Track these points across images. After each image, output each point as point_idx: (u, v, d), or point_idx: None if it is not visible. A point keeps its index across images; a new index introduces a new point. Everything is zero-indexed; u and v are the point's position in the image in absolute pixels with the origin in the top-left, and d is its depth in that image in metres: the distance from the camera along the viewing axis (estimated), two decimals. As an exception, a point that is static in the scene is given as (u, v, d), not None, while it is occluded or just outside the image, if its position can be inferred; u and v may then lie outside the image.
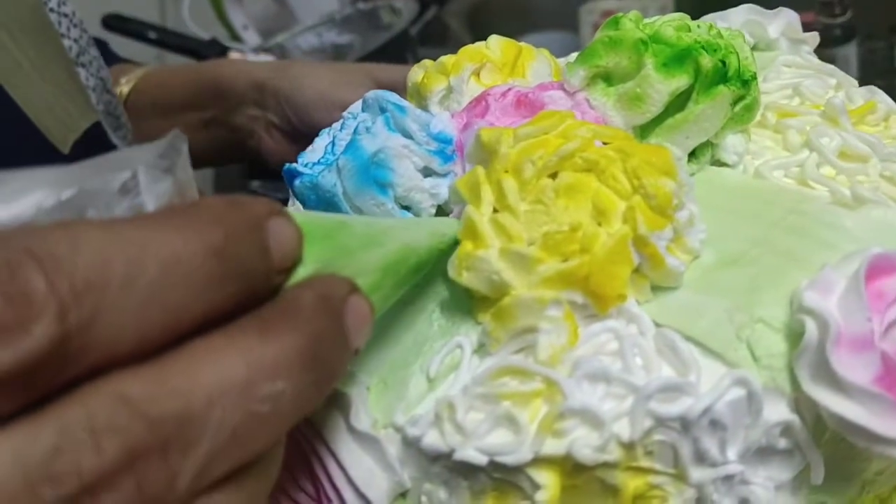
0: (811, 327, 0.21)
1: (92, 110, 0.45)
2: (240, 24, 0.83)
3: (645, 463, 0.21)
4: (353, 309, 0.18)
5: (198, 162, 0.62)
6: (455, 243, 0.25)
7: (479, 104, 0.30)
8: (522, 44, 0.34)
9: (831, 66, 0.34)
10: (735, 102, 0.28)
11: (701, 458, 0.21)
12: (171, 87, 0.57)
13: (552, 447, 0.21)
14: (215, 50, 0.75)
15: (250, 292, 0.16)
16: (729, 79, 0.28)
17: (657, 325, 0.23)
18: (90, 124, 0.44)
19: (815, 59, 0.35)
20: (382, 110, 0.30)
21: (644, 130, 0.28)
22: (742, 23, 0.37)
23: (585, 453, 0.21)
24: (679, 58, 0.27)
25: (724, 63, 0.28)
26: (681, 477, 0.22)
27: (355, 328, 0.18)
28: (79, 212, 0.15)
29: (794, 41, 0.36)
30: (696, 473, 0.21)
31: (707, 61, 0.27)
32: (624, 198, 0.24)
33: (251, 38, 0.83)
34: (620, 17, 0.29)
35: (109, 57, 0.60)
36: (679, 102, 0.28)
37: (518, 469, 0.21)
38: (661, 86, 0.27)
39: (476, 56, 0.32)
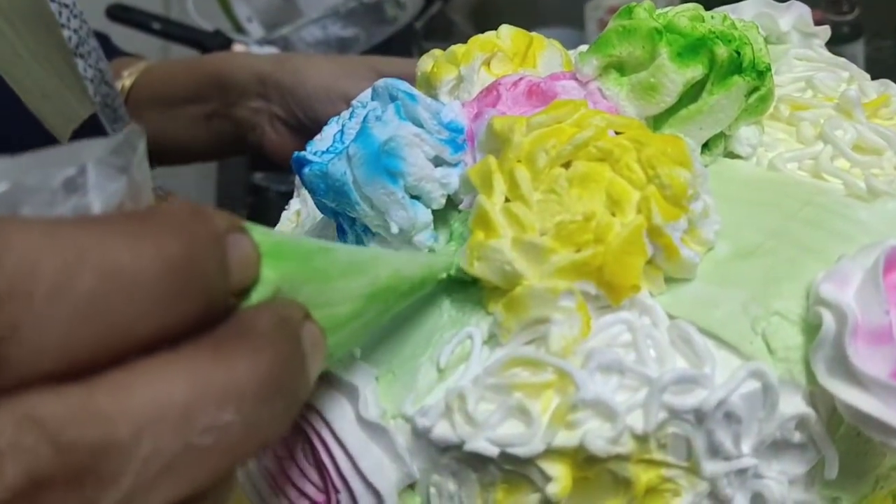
0: (828, 320, 0.20)
1: (89, 102, 0.45)
2: (244, 16, 0.83)
3: (658, 455, 0.21)
4: (310, 335, 0.16)
5: (199, 155, 0.61)
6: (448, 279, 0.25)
7: (491, 93, 0.30)
8: (533, 34, 0.33)
9: (843, 60, 0.34)
10: (749, 93, 0.28)
11: (715, 451, 0.21)
12: (172, 80, 0.56)
13: (564, 439, 0.21)
14: (219, 42, 0.75)
15: (206, 313, 0.14)
16: (744, 69, 0.28)
17: (671, 317, 0.23)
18: (89, 115, 0.44)
19: (827, 53, 0.35)
20: (393, 98, 0.30)
21: (657, 121, 0.28)
22: (753, 15, 0.36)
23: (598, 445, 0.21)
24: (694, 47, 0.27)
25: (738, 54, 0.28)
26: (694, 470, 0.21)
27: (312, 355, 0.16)
28: (12, 209, 0.14)
29: (805, 35, 0.36)
30: (710, 467, 0.21)
31: (722, 51, 0.27)
32: (638, 188, 0.24)
33: (255, 30, 0.83)
34: (634, 6, 0.29)
35: (111, 50, 0.59)
36: (693, 93, 0.27)
37: (529, 461, 0.21)
38: (676, 76, 0.26)
39: (487, 46, 0.32)
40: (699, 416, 0.21)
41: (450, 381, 0.23)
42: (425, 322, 0.26)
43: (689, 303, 0.23)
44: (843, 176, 0.26)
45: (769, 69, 0.28)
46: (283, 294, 0.17)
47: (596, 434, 0.21)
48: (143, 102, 0.56)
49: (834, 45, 0.35)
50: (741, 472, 0.21)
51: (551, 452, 0.21)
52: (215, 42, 0.74)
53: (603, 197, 0.24)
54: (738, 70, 0.27)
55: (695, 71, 0.27)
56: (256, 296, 0.16)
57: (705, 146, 0.28)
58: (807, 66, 0.34)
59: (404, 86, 0.29)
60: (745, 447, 0.21)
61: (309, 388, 0.16)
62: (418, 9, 0.80)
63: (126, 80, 0.56)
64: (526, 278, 0.23)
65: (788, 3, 0.37)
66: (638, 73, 0.27)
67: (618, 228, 0.23)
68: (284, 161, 0.54)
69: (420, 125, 0.28)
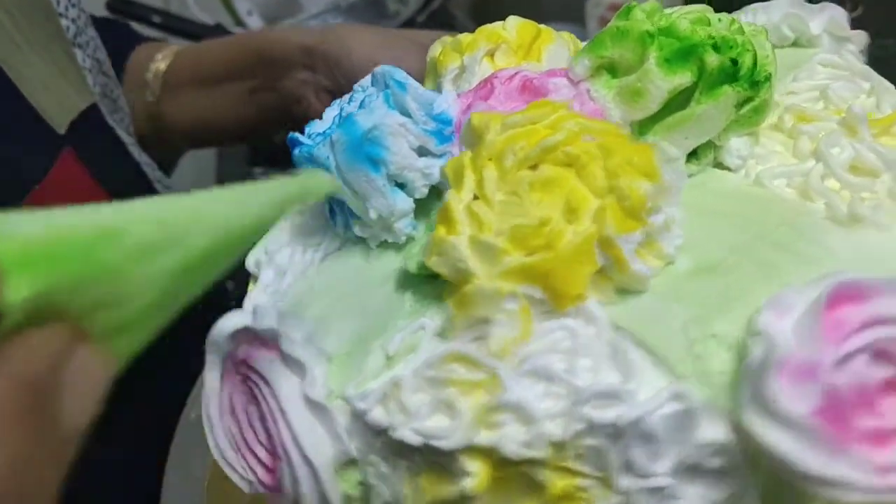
0: (756, 349, 0.20)
1: (88, 92, 0.45)
2: (244, 9, 0.81)
3: (573, 465, 0.21)
4: (80, 363, 0.14)
5: (242, 133, 0.59)
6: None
7: (486, 86, 0.30)
8: (542, 26, 0.33)
9: (868, 69, 0.32)
10: (742, 104, 0.27)
11: (629, 467, 0.21)
12: (213, 58, 0.56)
13: (483, 437, 0.22)
14: (219, 35, 0.72)
15: None
16: (738, 79, 0.27)
17: (617, 328, 0.23)
18: (87, 106, 0.44)
19: (855, 60, 0.33)
20: (387, 86, 0.30)
21: (643, 126, 0.27)
22: (782, 16, 0.35)
23: (511, 448, 0.21)
24: (683, 54, 0.26)
25: (735, 62, 0.27)
26: (608, 483, 0.21)
27: (82, 387, 0.14)
28: None
29: (837, 38, 0.34)
30: (624, 482, 0.21)
31: (713, 59, 0.26)
32: (599, 196, 0.24)
33: (255, 24, 0.81)
34: (633, 7, 0.28)
35: (134, 37, 0.59)
36: (681, 100, 0.27)
37: (451, 454, 0.22)
38: (662, 82, 0.26)
39: (492, 37, 0.32)
40: (616, 432, 0.21)
41: (396, 369, 0.24)
42: (387, 308, 0.26)
43: (637, 316, 0.23)
44: (829, 197, 0.25)
45: (768, 79, 0.27)
46: (50, 309, 0.14)
47: (511, 437, 0.21)
48: (182, 84, 0.56)
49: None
50: (656, 491, 0.21)
51: (471, 449, 0.22)
52: (215, 36, 0.70)
53: (562, 203, 0.24)
54: (731, 79, 0.26)
55: (682, 78, 0.26)
56: (10, 321, 0.14)
57: (694, 154, 0.28)
58: (829, 73, 0.32)
59: (399, 74, 0.30)
60: (661, 467, 0.21)
61: (81, 427, 0.14)
62: (420, 4, 0.78)
63: (161, 63, 0.56)
64: (476, 277, 0.24)
65: (822, 4, 0.35)
66: (626, 77, 0.27)
67: (569, 236, 0.23)
68: None
69: (409, 115, 0.29)
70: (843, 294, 0.20)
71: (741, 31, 0.28)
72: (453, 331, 0.24)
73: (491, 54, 0.32)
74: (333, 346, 0.26)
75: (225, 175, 0.83)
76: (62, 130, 0.41)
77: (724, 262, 0.24)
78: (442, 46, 0.34)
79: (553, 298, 0.23)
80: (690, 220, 0.25)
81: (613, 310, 0.23)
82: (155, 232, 0.17)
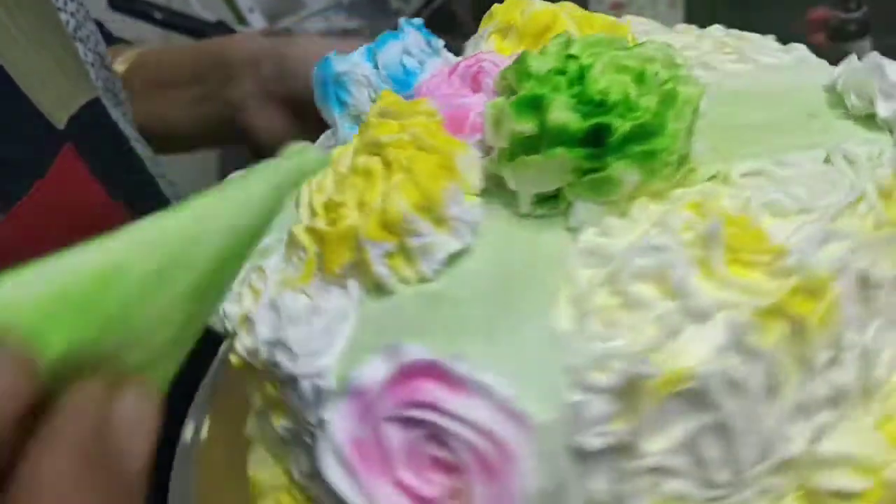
0: (351, 373, 0.24)
1: (91, 86, 0.45)
2: (246, 6, 0.77)
3: (270, 384, 0.28)
4: (125, 412, 0.15)
5: (193, 140, 0.58)
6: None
7: (455, 65, 0.33)
8: (564, 15, 0.33)
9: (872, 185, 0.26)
10: (586, 172, 0.26)
11: (295, 409, 0.27)
12: (168, 63, 0.55)
13: (238, 333, 0.30)
14: (221, 32, 0.70)
15: None
16: (608, 145, 0.25)
17: (357, 310, 0.28)
18: (87, 100, 0.43)
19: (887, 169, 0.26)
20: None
21: (512, 154, 0.28)
22: (854, 81, 0.29)
23: (240, 349, 0.29)
24: (529, 103, 0.26)
25: (607, 128, 0.25)
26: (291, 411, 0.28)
27: (134, 435, 0.15)
28: None
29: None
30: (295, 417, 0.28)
31: (556, 116, 0.25)
32: (382, 200, 0.27)
33: (257, 21, 0.77)
34: (556, 37, 0.28)
35: (105, 37, 0.56)
36: (532, 145, 0.27)
37: (230, 335, 0.30)
38: (508, 123, 0.27)
39: (506, 16, 0.33)
40: (284, 377, 0.27)
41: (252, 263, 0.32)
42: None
43: (372, 307, 0.27)
44: (583, 301, 0.24)
45: (644, 157, 0.26)
46: (79, 362, 0.15)
47: (243, 342, 0.29)
48: (137, 88, 0.54)
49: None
50: (314, 435, 0.27)
51: (234, 336, 0.30)
52: (217, 33, 0.69)
53: (363, 194, 0.28)
54: (576, 143, 0.26)
55: (524, 126, 0.26)
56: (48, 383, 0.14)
57: (557, 197, 0.28)
58: (824, 172, 0.27)
59: (405, 32, 0.34)
60: (312, 419, 0.26)
61: (145, 464, 0.15)
62: (423, 1, 0.70)
63: (119, 66, 0.55)
64: (298, 225, 0.30)
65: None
66: (500, 105, 0.28)
67: (343, 223, 0.28)
68: (271, 141, 0.51)
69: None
70: (436, 371, 0.23)
71: (671, 95, 0.26)
72: (287, 257, 0.31)
73: (504, 33, 0.34)
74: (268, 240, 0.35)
75: (227, 173, 0.82)
76: (61, 126, 0.41)
77: (458, 300, 0.26)
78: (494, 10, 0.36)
79: (324, 265, 0.29)
80: (484, 252, 0.27)
81: (366, 296, 0.28)
82: (157, 259, 0.16)
